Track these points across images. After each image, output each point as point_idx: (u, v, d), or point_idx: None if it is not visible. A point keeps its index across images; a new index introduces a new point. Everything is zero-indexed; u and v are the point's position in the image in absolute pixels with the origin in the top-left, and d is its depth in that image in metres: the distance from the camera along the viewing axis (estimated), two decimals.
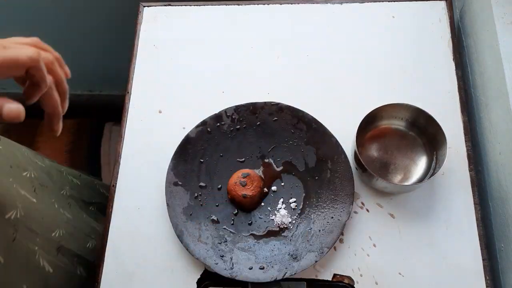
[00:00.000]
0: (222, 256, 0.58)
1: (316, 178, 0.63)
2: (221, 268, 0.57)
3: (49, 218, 0.61)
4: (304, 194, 0.63)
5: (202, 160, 0.64)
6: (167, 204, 0.60)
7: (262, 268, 0.57)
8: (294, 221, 0.61)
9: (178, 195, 0.62)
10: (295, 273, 0.56)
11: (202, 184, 0.63)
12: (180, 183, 0.62)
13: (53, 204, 0.65)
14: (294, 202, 0.62)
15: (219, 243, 0.59)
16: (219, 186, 0.64)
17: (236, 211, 0.62)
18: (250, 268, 0.57)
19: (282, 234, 0.60)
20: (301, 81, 0.71)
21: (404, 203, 0.62)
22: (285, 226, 0.61)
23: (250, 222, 0.62)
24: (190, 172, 0.64)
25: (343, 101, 0.69)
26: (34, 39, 0.43)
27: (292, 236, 0.60)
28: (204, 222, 0.61)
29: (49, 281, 0.57)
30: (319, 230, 0.59)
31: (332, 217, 0.59)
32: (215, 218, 0.62)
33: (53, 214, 0.63)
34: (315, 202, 0.61)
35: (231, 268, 0.57)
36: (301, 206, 0.62)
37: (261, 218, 0.62)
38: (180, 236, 0.59)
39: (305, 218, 0.61)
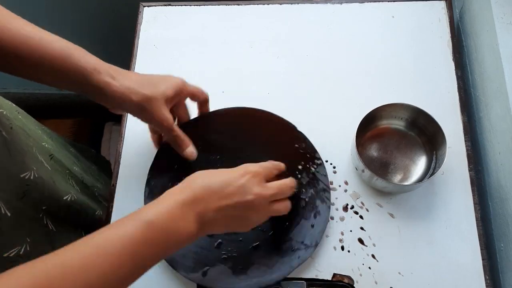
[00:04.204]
0: (235, 275, 0.57)
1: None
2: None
3: (60, 184, 0.62)
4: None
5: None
6: None
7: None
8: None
9: None
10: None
11: None
12: None
13: (66, 174, 0.66)
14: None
15: (230, 268, 0.58)
16: None
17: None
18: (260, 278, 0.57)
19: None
20: (300, 81, 0.71)
21: (404, 202, 0.62)
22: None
23: (241, 239, 0.60)
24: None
25: (343, 101, 0.69)
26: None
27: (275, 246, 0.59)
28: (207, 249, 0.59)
29: (54, 237, 0.59)
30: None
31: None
32: (220, 241, 0.59)
33: (65, 182, 0.64)
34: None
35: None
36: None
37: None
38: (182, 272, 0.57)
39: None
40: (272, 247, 0.58)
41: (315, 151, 0.62)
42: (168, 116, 0.55)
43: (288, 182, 0.52)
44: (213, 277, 0.56)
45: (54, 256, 0.37)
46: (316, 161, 0.62)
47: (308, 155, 0.62)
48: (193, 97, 0.60)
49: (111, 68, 0.52)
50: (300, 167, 0.61)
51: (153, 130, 0.64)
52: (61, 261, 0.37)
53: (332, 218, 0.61)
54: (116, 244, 0.39)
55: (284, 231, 0.59)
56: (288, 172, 0.55)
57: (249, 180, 0.48)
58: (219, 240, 0.59)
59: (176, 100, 0.57)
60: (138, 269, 0.41)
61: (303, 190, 0.60)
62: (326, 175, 0.61)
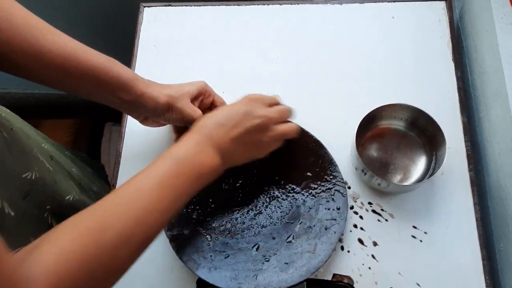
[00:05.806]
0: (246, 277, 0.57)
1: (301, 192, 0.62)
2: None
3: (61, 184, 0.63)
4: (295, 206, 0.62)
5: None
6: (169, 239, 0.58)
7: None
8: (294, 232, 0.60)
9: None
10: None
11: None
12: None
13: (66, 176, 0.68)
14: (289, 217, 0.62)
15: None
16: (210, 200, 0.62)
17: (239, 218, 0.61)
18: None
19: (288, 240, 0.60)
20: (301, 81, 0.71)
21: (404, 203, 0.62)
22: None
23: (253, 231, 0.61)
24: None
25: (343, 101, 0.69)
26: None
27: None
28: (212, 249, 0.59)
29: None
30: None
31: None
32: (217, 238, 0.60)
33: (66, 183, 0.65)
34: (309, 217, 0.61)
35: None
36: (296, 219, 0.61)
37: (266, 232, 0.61)
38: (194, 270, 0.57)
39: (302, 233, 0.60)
40: (305, 233, 0.59)
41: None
42: (197, 108, 0.59)
43: (287, 107, 0.58)
44: (266, 284, 0.56)
45: (104, 201, 0.43)
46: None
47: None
48: (215, 104, 0.64)
49: (144, 78, 0.57)
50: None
51: (177, 131, 0.64)
52: (109, 203, 0.43)
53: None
54: (154, 181, 0.45)
55: (310, 214, 0.60)
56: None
57: (252, 105, 0.54)
58: (257, 245, 0.59)
59: (199, 98, 0.61)
60: (176, 200, 0.47)
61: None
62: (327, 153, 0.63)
